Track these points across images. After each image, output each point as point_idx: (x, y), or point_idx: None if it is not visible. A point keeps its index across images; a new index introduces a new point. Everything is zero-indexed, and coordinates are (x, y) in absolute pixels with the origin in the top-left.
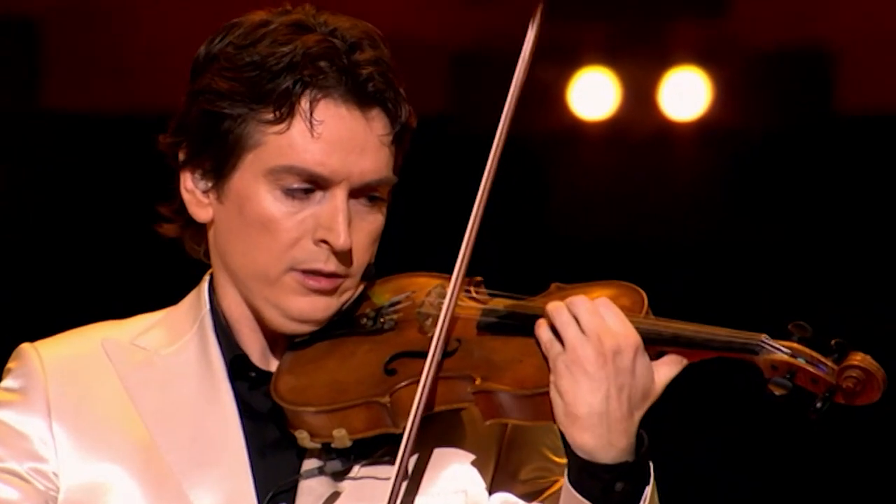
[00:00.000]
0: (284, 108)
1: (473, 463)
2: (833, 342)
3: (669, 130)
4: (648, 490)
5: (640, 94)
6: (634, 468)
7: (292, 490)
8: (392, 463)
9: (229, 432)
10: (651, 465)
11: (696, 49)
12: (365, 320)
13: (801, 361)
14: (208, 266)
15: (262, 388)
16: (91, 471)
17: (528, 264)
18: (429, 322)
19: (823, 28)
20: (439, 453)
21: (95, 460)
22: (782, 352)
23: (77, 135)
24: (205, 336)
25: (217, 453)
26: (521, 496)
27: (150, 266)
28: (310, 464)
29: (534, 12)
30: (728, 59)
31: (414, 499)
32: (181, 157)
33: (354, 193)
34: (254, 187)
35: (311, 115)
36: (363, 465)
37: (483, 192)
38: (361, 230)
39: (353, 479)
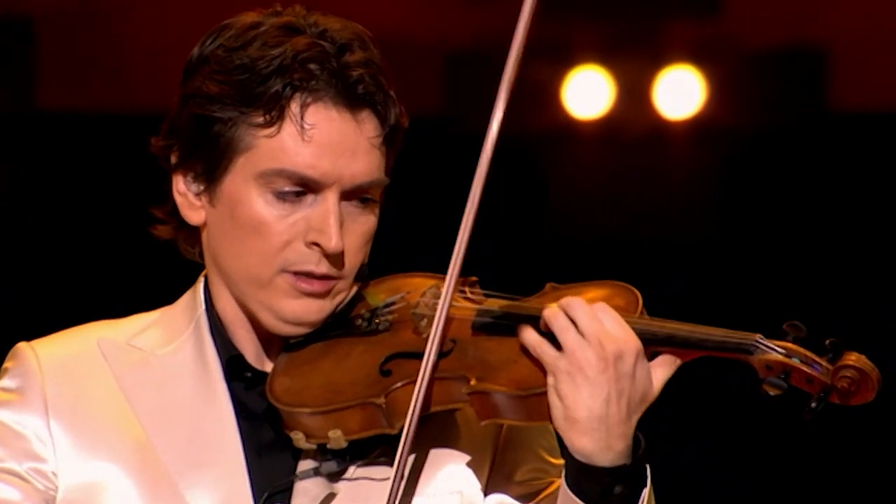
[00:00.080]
0: (275, 112)
1: (469, 464)
2: (828, 342)
3: (664, 129)
4: (646, 493)
5: (634, 92)
6: (632, 471)
7: (288, 491)
8: (387, 464)
9: (225, 433)
10: (648, 467)
11: (691, 48)
12: (360, 321)
13: (795, 361)
14: (204, 265)
15: (258, 389)
16: (89, 470)
17: (522, 264)
18: (424, 323)
19: (817, 27)
20: (434, 454)
21: (93, 459)
22: (777, 352)
23: (74, 135)
24: (201, 336)
25: (213, 454)
26: (517, 497)
27: (146, 265)
28: (305, 465)
29: (522, 8)
30: (722, 58)
31: (410, 500)
32: (173, 159)
33: (346, 196)
34: (245, 191)
35: (301, 118)
36: (359, 466)
37: (475, 191)
38: (353, 232)
39: (349, 479)
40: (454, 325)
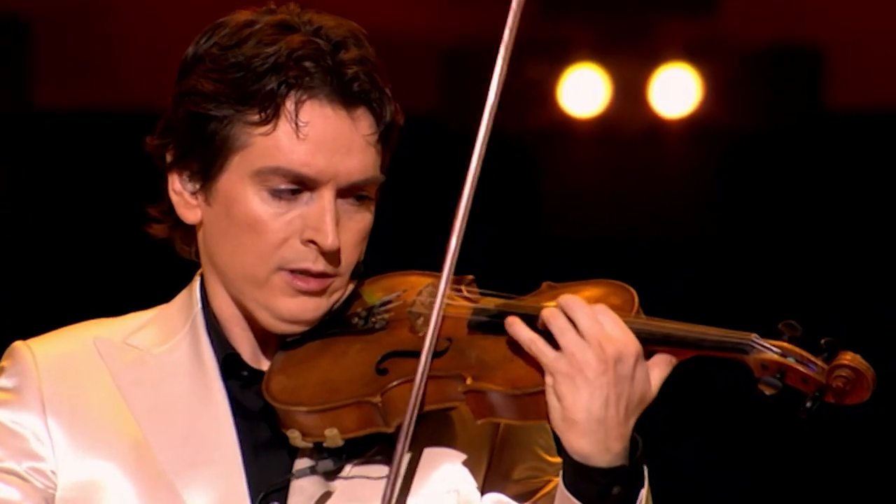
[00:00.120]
0: (270, 110)
1: (465, 462)
2: (823, 341)
3: (659, 127)
4: (643, 493)
5: (630, 91)
6: (630, 472)
7: (284, 489)
8: (384, 462)
9: (222, 431)
10: (645, 468)
11: (686, 46)
12: (356, 319)
13: (791, 361)
14: (200, 264)
15: (254, 388)
16: (86, 468)
17: (518, 262)
18: (420, 321)
19: (812, 25)
20: (430, 453)
21: (90, 458)
22: (772, 351)
23: (69, 134)
24: (197, 335)
25: (210, 452)
26: (514, 496)
27: (142, 264)
28: (302, 463)
29: (510, 5)
30: (718, 57)
31: (406, 499)
32: (168, 158)
33: (342, 193)
34: (241, 189)
35: (296, 116)
36: (355, 465)
37: (469, 188)
38: (349, 229)
39: (345, 478)
40: (450, 323)
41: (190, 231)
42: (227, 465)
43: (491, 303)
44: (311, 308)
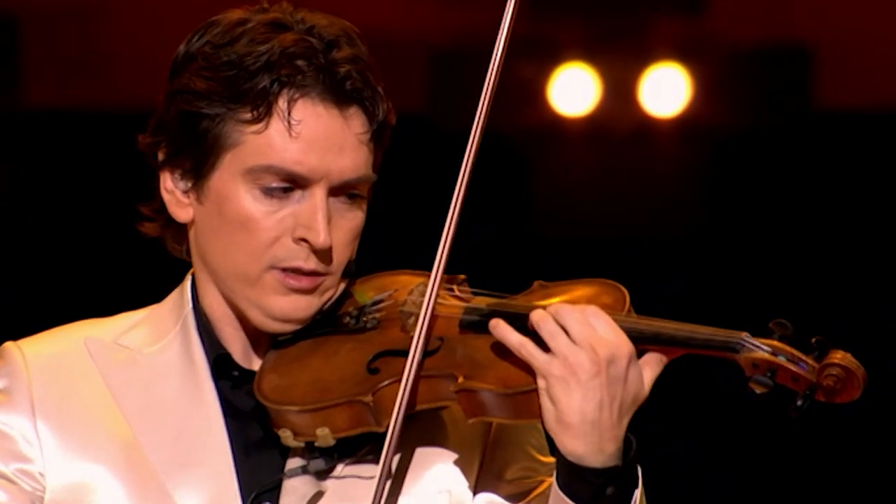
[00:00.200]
0: (262, 108)
1: (457, 462)
2: (814, 340)
3: (650, 127)
4: (637, 493)
5: (620, 90)
6: (623, 472)
7: (276, 489)
8: (375, 462)
9: (213, 431)
10: (639, 468)
11: (676, 45)
12: (348, 319)
13: (781, 359)
14: (191, 263)
15: (245, 387)
16: (76, 470)
17: (509, 262)
18: (411, 320)
19: (802, 25)
20: (422, 453)
21: (80, 460)
22: (763, 350)
23: (60, 133)
24: (188, 335)
25: (201, 453)
26: (507, 497)
27: (135, 263)
28: (293, 463)
29: (506, 5)
30: (708, 56)
31: (397, 499)
32: (160, 157)
33: (334, 192)
34: (233, 187)
35: (288, 114)
36: (346, 464)
37: (460, 187)
38: (341, 228)
39: (337, 477)
40: (441, 322)
41: (182, 230)
42: (218, 465)
43: (482, 302)
44: (302, 306)
